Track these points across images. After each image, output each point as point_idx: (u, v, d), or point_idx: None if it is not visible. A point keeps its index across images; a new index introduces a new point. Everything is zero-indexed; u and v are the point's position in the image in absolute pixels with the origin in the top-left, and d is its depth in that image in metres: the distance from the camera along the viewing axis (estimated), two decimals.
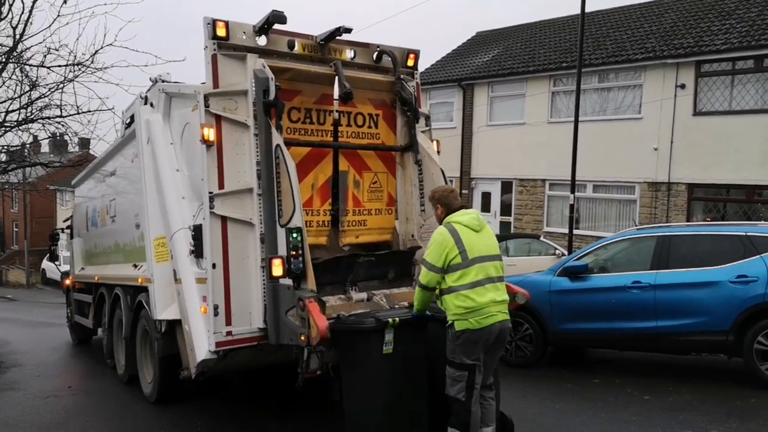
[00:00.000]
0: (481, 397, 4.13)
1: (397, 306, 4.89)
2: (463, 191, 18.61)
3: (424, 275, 4.12)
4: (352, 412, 4.21)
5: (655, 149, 14.49)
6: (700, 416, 5.27)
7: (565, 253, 12.46)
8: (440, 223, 4.26)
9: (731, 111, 13.66)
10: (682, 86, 14.15)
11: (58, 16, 8.08)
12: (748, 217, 13.21)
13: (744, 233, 6.43)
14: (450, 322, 4.02)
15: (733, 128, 13.54)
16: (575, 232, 13.94)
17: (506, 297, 4.16)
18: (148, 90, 5.94)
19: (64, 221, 11.55)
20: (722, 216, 13.78)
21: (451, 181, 5.47)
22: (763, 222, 9.35)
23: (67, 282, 10.38)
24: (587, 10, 13.28)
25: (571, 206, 13.38)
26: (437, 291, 4.14)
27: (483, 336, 3.97)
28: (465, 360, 3.96)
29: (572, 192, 13.32)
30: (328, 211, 5.24)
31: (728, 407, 5.49)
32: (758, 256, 6.12)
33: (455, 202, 4.32)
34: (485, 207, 18.29)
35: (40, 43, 8.55)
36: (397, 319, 4.15)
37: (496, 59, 19.12)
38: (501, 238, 14.25)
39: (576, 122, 13.11)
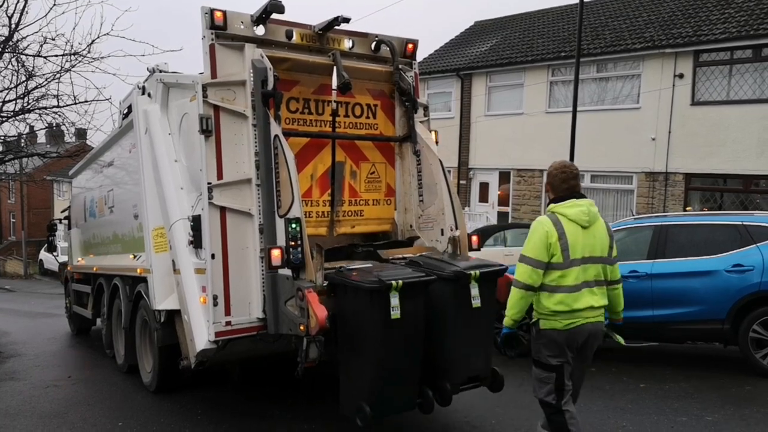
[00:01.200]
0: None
1: (395, 261, 4.93)
2: (461, 181, 18.62)
3: (525, 274, 3.56)
4: (350, 370, 4.19)
5: (653, 139, 14.51)
6: (696, 404, 5.32)
7: None
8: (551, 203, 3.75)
9: (729, 101, 13.67)
10: (681, 76, 14.14)
11: (54, 5, 8.05)
12: (745, 206, 13.27)
13: (740, 222, 6.47)
14: (535, 319, 3.66)
15: (730, 118, 13.55)
16: None
17: (605, 302, 3.69)
18: (146, 80, 5.92)
19: (62, 212, 11.54)
20: (719, 206, 13.83)
21: (449, 171, 5.46)
22: (759, 211, 9.38)
23: (66, 273, 10.40)
24: None
25: None
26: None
27: (570, 337, 3.58)
28: (551, 361, 3.60)
29: None
30: (327, 202, 5.25)
31: (723, 395, 5.55)
32: (754, 245, 6.16)
33: (562, 186, 3.68)
34: (483, 197, 18.31)
35: (37, 32, 8.54)
36: (400, 281, 3.92)
37: (494, 49, 19.05)
38: (498, 228, 14.31)
39: (574, 112, 13.11)
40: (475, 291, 4.29)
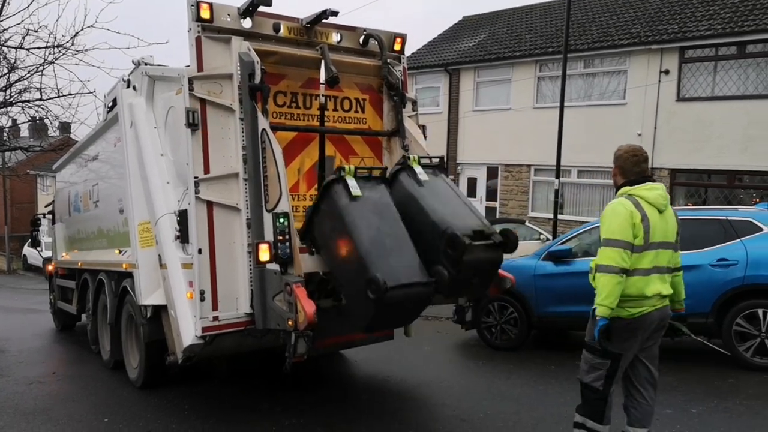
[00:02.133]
0: (640, 395, 3.69)
1: None
2: (449, 176, 18.63)
3: (617, 257, 3.36)
4: (345, 267, 4.22)
5: (639, 135, 14.61)
6: (680, 396, 5.39)
7: (550, 237, 12.59)
8: (616, 188, 3.66)
9: (714, 97, 13.81)
10: (666, 72, 14.25)
11: None
12: (729, 201, 13.43)
13: (725, 217, 6.54)
14: (596, 305, 3.46)
15: (715, 114, 13.70)
16: (560, 217, 14.08)
17: (671, 291, 3.61)
18: (131, 73, 5.84)
19: (46, 206, 11.41)
20: (704, 201, 14.00)
21: None
22: (743, 206, 9.50)
23: (50, 268, 10.28)
24: None
25: (556, 191, 13.50)
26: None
27: (639, 326, 3.48)
28: (610, 347, 3.46)
29: (557, 177, 13.42)
30: (314, 197, 5.22)
31: (707, 387, 5.62)
32: (738, 240, 6.24)
33: (634, 169, 3.58)
34: (471, 192, 18.36)
35: (19, 24, 8.41)
36: (352, 166, 4.35)
37: (482, 44, 19.07)
38: None
39: (561, 108, 13.17)
40: (419, 169, 4.66)
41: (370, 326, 4.24)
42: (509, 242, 4.45)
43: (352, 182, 4.28)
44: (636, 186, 3.54)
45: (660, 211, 3.51)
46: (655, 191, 3.53)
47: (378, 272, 3.85)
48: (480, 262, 4.36)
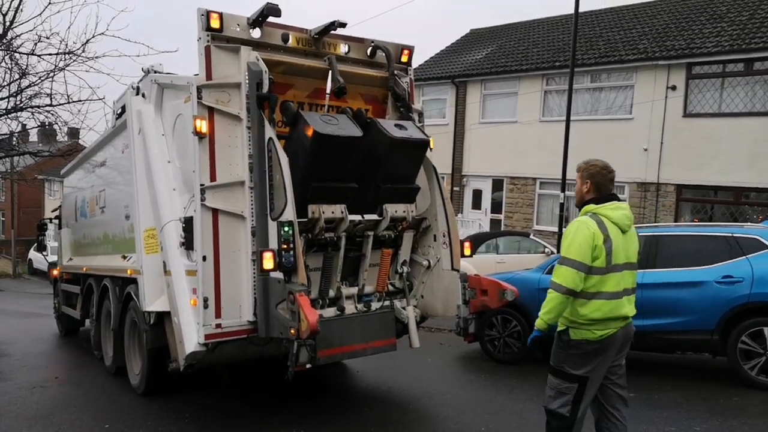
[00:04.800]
0: (613, 416, 3.57)
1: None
2: (455, 188, 18.67)
3: (568, 277, 3.31)
4: None
5: (645, 150, 14.61)
6: (684, 413, 5.34)
7: (555, 251, 12.55)
8: (579, 203, 3.56)
9: (720, 113, 13.80)
10: (673, 88, 14.27)
11: (50, 3, 8.01)
12: (735, 218, 13.37)
13: (730, 234, 6.51)
14: (563, 327, 3.45)
15: (722, 130, 13.68)
16: (564, 230, 14.03)
17: (635, 311, 3.55)
18: (140, 80, 5.90)
19: (53, 211, 11.46)
20: (710, 217, 13.93)
21: (443, 177, 5.46)
22: (749, 223, 9.46)
23: (55, 272, 10.32)
24: (581, 10, 13.34)
25: (561, 205, 13.47)
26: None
27: (607, 347, 3.40)
28: (576, 371, 3.39)
29: (563, 191, 13.40)
30: None
31: (711, 405, 5.57)
32: (744, 257, 6.20)
33: (609, 186, 3.50)
34: (476, 204, 18.36)
35: (31, 30, 8.48)
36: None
37: (489, 57, 19.15)
38: (491, 235, 14.34)
39: (567, 121, 13.18)
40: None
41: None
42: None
43: None
44: (601, 204, 3.44)
45: (623, 232, 3.43)
46: (620, 211, 3.44)
47: None
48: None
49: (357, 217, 4.99)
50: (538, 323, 3.46)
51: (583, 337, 3.38)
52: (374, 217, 5.15)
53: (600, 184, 3.50)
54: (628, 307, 3.45)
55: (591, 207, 3.46)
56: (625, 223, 3.43)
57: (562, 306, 3.38)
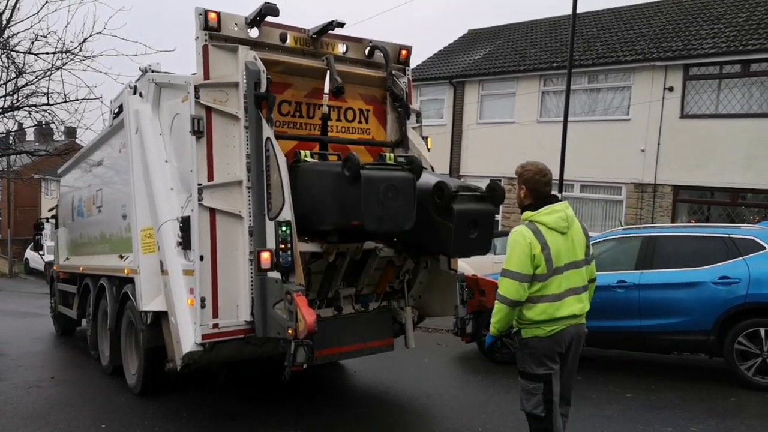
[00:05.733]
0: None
1: None
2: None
3: (511, 289, 3.41)
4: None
5: (642, 151, 14.63)
6: (681, 414, 5.35)
7: None
8: (520, 208, 3.62)
9: (717, 114, 13.83)
10: (670, 89, 14.29)
11: (47, 2, 8.01)
12: (732, 219, 13.40)
13: (727, 235, 6.52)
14: (516, 329, 3.59)
15: (718, 132, 13.71)
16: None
17: (588, 307, 3.62)
18: (138, 80, 5.88)
19: (49, 211, 11.45)
20: (706, 218, 13.96)
21: None
22: (745, 224, 9.48)
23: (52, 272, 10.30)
24: (578, 10, 13.35)
25: None
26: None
27: (554, 343, 3.50)
28: (537, 370, 3.49)
29: (560, 191, 13.40)
30: None
31: (708, 406, 5.58)
32: (741, 258, 6.21)
33: (545, 189, 3.54)
34: None
35: (28, 29, 8.49)
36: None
37: (487, 57, 19.17)
38: None
39: (565, 122, 13.19)
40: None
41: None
42: (496, 194, 4.63)
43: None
44: (537, 211, 3.49)
45: (563, 233, 3.47)
46: (554, 214, 3.47)
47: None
48: (472, 212, 4.47)
49: (372, 245, 4.98)
50: (491, 330, 3.64)
51: (534, 335, 3.50)
52: (390, 251, 5.11)
53: (534, 189, 3.54)
54: (576, 305, 3.52)
55: (528, 214, 3.53)
56: (562, 225, 3.47)
57: (509, 315, 3.52)
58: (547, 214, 3.47)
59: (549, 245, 3.41)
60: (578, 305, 3.54)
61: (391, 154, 5.06)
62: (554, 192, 3.76)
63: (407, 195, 4.25)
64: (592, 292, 3.80)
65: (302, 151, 4.72)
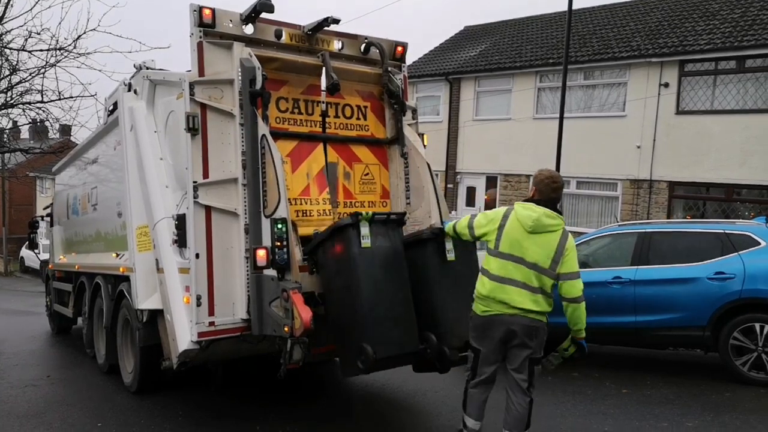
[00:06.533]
0: (510, 399, 3.96)
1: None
2: (448, 185, 18.68)
3: (465, 219, 4.15)
4: (339, 315, 4.28)
5: (638, 147, 14.67)
6: (676, 409, 5.37)
7: None
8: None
9: (713, 110, 13.87)
10: (666, 85, 14.32)
11: None
12: (727, 215, 13.45)
13: (722, 231, 6.55)
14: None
15: (714, 128, 13.75)
16: None
17: (538, 308, 3.79)
18: (132, 77, 5.85)
19: (44, 209, 11.39)
20: (702, 214, 14.01)
21: (437, 174, 5.49)
22: (741, 220, 9.51)
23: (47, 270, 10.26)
24: (574, 7, 13.35)
25: None
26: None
27: (489, 325, 3.83)
28: (473, 343, 3.97)
29: None
30: (328, 200, 5.21)
31: (703, 401, 5.61)
32: (736, 253, 6.24)
33: (550, 194, 3.86)
34: (470, 201, 18.37)
35: (21, 26, 8.44)
36: (369, 212, 4.24)
37: (483, 54, 19.16)
38: None
39: (561, 119, 13.21)
40: (449, 245, 4.57)
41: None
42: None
43: (365, 230, 4.18)
44: (525, 202, 3.87)
45: (528, 231, 3.75)
46: (528, 211, 3.79)
47: (370, 342, 3.97)
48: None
49: None
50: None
51: (474, 311, 3.94)
52: None
53: (541, 191, 3.89)
54: (517, 298, 3.75)
55: (520, 202, 3.93)
56: (527, 224, 3.76)
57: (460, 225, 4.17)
58: (525, 208, 3.83)
59: (505, 228, 3.82)
60: (518, 297, 3.76)
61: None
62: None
63: None
64: (571, 312, 3.86)
65: (365, 212, 4.28)
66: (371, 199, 5.53)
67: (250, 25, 4.79)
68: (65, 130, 10.88)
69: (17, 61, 8.66)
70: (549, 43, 17.78)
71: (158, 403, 5.57)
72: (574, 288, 3.81)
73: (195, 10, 4.55)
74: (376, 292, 4.13)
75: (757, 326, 6.00)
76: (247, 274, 4.49)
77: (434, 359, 4.46)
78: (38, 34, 8.27)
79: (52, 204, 10.41)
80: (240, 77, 4.56)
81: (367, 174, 5.52)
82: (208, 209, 4.50)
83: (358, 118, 5.47)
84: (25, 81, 8.83)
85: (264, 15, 4.75)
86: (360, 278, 4.12)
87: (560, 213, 3.88)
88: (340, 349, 4.44)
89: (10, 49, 8.54)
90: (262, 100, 4.53)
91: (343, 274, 4.22)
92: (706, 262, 6.32)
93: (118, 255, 6.21)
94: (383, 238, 4.27)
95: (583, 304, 3.85)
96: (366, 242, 4.15)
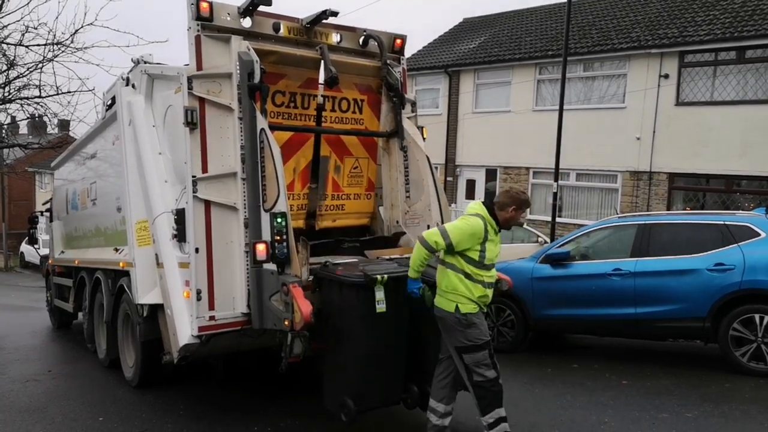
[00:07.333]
0: (455, 377, 4.30)
1: (384, 258, 4.99)
2: (448, 178, 18.66)
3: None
4: (335, 364, 4.27)
5: (638, 138, 14.64)
6: (676, 400, 5.39)
7: (548, 240, 12.59)
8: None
9: (713, 102, 13.83)
10: (666, 76, 14.27)
11: None
12: (727, 206, 13.45)
13: (722, 222, 6.55)
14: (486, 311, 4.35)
15: (714, 119, 13.72)
16: (558, 219, 14.09)
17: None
18: (130, 71, 5.82)
19: (44, 204, 11.38)
20: (702, 205, 14.01)
21: (436, 167, 5.49)
22: (741, 211, 9.51)
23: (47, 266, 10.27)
24: None
25: (555, 194, 13.51)
26: None
27: (480, 321, 4.21)
28: (482, 337, 4.17)
29: (556, 180, 13.43)
30: (306, 195, 5.24)
31: (703, 392, 5.62)
32: (736, 244, 6.24)
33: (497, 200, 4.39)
34: (470, 194, 18.36)
35: (19, 21, 8.39)
36: (386, 276, 4.07)
37: (482, 46, 19.09)
38: None
39: (560, 111, 13.18)
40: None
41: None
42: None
43: (380, 295, 4.07)
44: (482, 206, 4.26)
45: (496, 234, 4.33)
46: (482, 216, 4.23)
47: (353, 397, 4.04)
48: None
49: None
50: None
51: (465, 312, 4.08)
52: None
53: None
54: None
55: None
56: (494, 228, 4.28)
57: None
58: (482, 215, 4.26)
59: (487, 243, 4.27)
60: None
61: None
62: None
63: None
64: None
65: (380, 276, 4.13)
66: (357, 192, 5.59)
67: (247, 18, 4.76)
68: (64, 125, 10.85)
69: (15, 56, 8.64)
70: (548, 35, 17.71)
71: (159, 398, 5.59)
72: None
73: (192, 4, 4.51)
74: (375, 344, 4.12)
75: (757, 317, 6.01)
76: (247, 269, 4.48)
77: (417, 405, 4.54)
78: (35, 28, 8.27)
79: (51, 199, 10.40)
80: (238, 71, 4.53)
81: (356, 167, 5.53)
82: (207, 204, 4.49)
83: (354, 112, 5.45)
84: (23, 76, 8.83)
85: (262, 8, 4.72)
86: (364, 335, 4.08)
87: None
88: (327, 378, 4.37)
89: (8, 44, 8.53)
90: (261, 94, 4.50)
91: (346, 321, 4.13)
92: (706, 253, 6.32)
93: (117, 250, 6.20)
94: (395, 298, 4.13)
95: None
96: (381, 307, 4.03)
